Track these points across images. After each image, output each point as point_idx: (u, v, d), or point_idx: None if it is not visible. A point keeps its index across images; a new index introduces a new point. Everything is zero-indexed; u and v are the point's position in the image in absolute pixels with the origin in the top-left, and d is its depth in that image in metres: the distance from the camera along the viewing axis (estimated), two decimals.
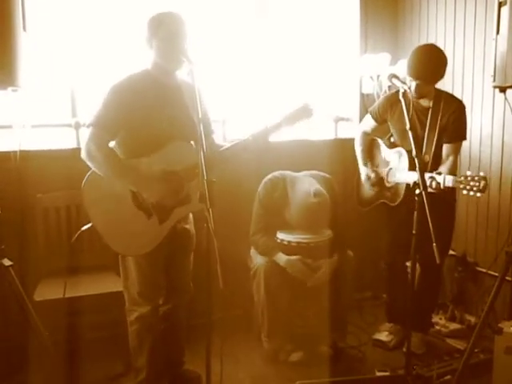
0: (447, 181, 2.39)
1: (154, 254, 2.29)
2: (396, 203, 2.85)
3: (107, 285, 2.71)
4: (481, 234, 3.33)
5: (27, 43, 2.43)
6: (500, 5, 2.53)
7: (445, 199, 2.80)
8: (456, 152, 2.76)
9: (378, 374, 2.69)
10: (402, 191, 2.80)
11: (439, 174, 2.42)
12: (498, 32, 2.55)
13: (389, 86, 3.53)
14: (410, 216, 2.26)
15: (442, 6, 3.46)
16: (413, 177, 2.52)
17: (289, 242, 2.86)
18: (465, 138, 2.80)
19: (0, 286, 2.40)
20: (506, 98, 2.69)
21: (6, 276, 2.35)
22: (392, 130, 3.01)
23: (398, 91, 2.53)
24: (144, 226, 2.26)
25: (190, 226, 2.52)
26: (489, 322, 2.54)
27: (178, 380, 2.65)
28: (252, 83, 3.58)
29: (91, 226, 2.24)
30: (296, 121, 2.24)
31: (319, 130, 3.83)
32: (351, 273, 2.95)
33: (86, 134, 2.21)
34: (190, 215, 2.51)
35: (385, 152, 3.01)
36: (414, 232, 2.25)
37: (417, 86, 2.66)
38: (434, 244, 2.04)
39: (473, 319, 3.24)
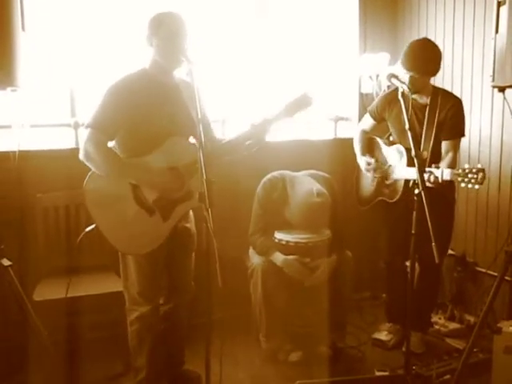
0: (445, 174, 2.39)
1: (155, 254, 2.29)
2: (394, 200, 2.86)
3: (107, 285, 2.71)
4: (480, 233, 3.33)
5: (26, 43, 2.43)
6: (499, 4, 2.52)
7: (444, 198, 2.81)
8: (455, 148, 2.76)
9: (378, 373, 2.70)
10: (401, 188, 2.80)
11: (437, 167, 2.43)
12: (496, 31, 2.54)
13: (388, 86, 3.53)
14: (408, 215, 2.27)
15: (441, 5, 3.47)
16: (411, 173, 2.53)
17: (287, 241, 2.86)
18: (463, 135, 2.80)
19: None
20: (504, 98, 2.69)
21: (6, 276, 2.35)
22: (390, 129, 3.01)
23: (395, 89, 2.54)
24: (147, 224, 2.26)
25: (191, 225, 2.52)
26: (488, 322, 2.54)
27: (177, 380, 2.65)
28: (252, 83, 3.58)
29: (95, 226, 2.24)
30: (296, 110, 2.22)
31: (318, 130, 3.84)
32: (350, 273, 2.95)
33: (83, 135, 2.22)
34: (191, 214, 2.51)
35: (384, 150, 3.01)
36: (413, 232, 2.25)
37: (410, 78, 2.67)
38: (433, 244, 2.04)
39: (472, 319, 3.24)
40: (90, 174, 2.22)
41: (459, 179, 2.32)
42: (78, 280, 2.76)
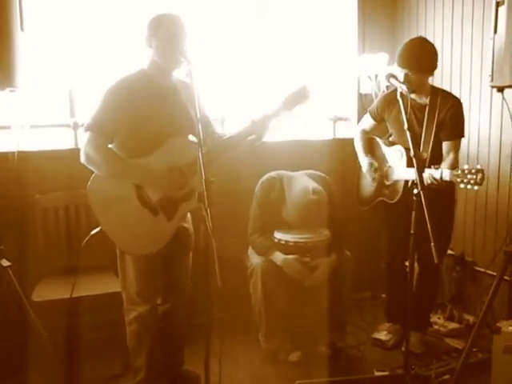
0: (444, 175, 2.40)
1: (153, 254, 2.29)
2: (394, 200, 2.86)
3: (106, 285, 2.71)
4: (479, 233, 3.33)
5: (25, 43, 2.43)
6: (497, 4, 2.53)
7: (444, 199, 2.81)
8: (456, 149, 2.76)
9: (377, 373, 2.70)
10: (401, 188, 2.80)
11: (437, 168, 2.43)
12: (495, 32, 2.55)
13: (387, 86, 3.53)
14: (409, 215, 2.27)
15: (439, 5, 3.47)
16: (411, 173, 2.53)
17: (286, 241, 2.86)
18: (463, 135, 2.81)
19: None
20: (503, 98, 2.69)
21: (5, 276, 2.35)
22: (390, 129, 3.01)
23: (395, 90, 2.54)
24: (151, 224, 2.26)
25: (189, 225, 2.52)
26: (487, 322, 2.54)
27: (177, 380, 2.65)
28: (251, 82, 3.58)
29: (101, 228, 2.23)
30: (295, 103, 2.23)
31: (317, 130, 3.84)
32: (349, 273, 2.95)
33: (83, 137, 2.22)
34: (188, 214, 2.52)
35: (384, 150, 3.01)
36: (412, 232, 2.26)
37: (405, 76, 2.67)
38: (432, 244, 2.04)
39: (471, 318, 3.24)
40: (93, 175, 2.23)
41: (458, 180, 2.32)
42: (78, 280, 2.75)
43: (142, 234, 2.25)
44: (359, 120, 3.64)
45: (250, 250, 3.02)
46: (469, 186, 2.28)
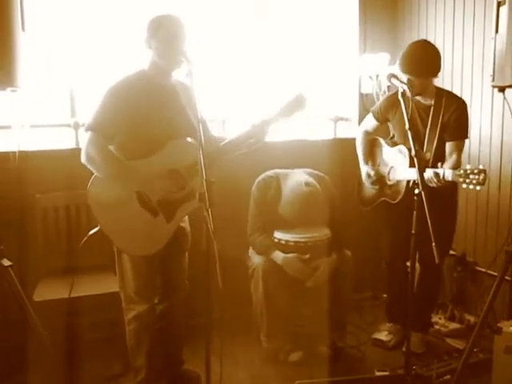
0: (447, 174, 2.40)
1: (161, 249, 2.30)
2: (397, 200, 2.86)
3: (106, 285, 2.70)
4: (480, 233, 3.33)
5: (26, 43, 2.43)
6: (499, 4, 2.52)
7: (446, 199, 2.81)
8: (459, 150, 2.76)
9: (378, 373, 2.69)
10: (403, 189, 2.80)
11: (437, 168, 2.43)
12: (496, 31, 2.55)
13: (388, 86, 3.53)
14: (410, 215, 2.27)
15: (440, 5, 3.47)
16: (413, 174, 2.53)
17: (286, 241, 2.86)
18: (467, 136, 2.81)
19: None
20: (504, 98, 2.69)
21: (6, 276, 2.35)
22: (394, 130, 3.01)
23: (398, 90, 2.54)
24: (151, 225, 2.26)
25: (186, 225, 2.53)
26: (488, 322, 2.54)
27: (177, 380, 2.65)
28: (252, 83, 3.58)
29: (99, 228, 2.24)
30: (292, 111, 2.25)
31: (318, 130, 3.84)
32: (350, 272, 2.95)
33: (84, 138, 2.22)
34: None
35: (386, 150, 3.01)
36: (413, 232, 2.25)
37: (408, 81, 2.67)
38: (434, 244, 2.04)
39: (472, 319, 3.24)
40: (93, 176, 2.23)
41: (460, 180, 2.32)
42: (78, 280, 2.74)
43: (142, 234, 2.26)
44: (360, 120, 3.63)
45: (251, 250, 3.02)
46: (471, 186, 2.28)
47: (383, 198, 3.00)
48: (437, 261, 2.05)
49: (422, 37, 3.56)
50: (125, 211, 2.24)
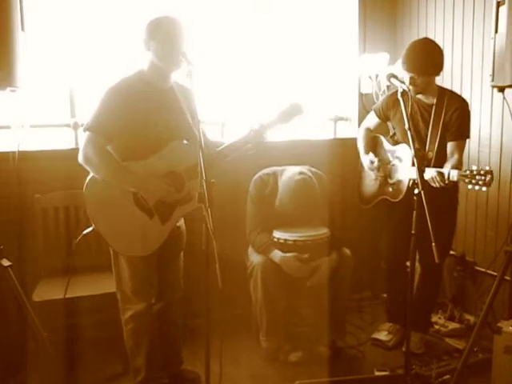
0: (452, 175, 2.39)
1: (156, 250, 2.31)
2: (398, 199, 2.86)
3: (106, 285, 2.70)
4: (480, 233, 3.33)
5: (25, 43, 2.43)
6: (498, 4, 2.52)
7: (447, 200, 2.81)
8: (460, 150, 2.76)
9: (377, 373, 2.70)
10: (405, 188, 2.80)
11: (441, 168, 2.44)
12: (496, 31, 2.54)
13: (387, 86, 3.54)
14: (410, 215, 2.26)
15: (440, 5, 3.47)
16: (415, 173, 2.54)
17: (285, 240, 2.86)
18: (468, 136, 2.81)
19: None
20: (504, 98, 2.68)
21: (5, 276, 2.35)
22: (395, 128, 3.02)
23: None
24: (147, 227, 2.27)
25: (181, 224, 2.54)
26: (488, 322, 2.54)
27: (177, 379, 2.65)
28: (251, 85, 3.58)
29: (93, 228, 2.24)
30: (288, 118, 2.28)
31: (318, 130, 3.84)
32: (349, 272, 2.95)
33: (82, 138, 2.22)
34: None
35: (388, 149, 3.01)
36: (413, 232, 2.25)
37: (410, 79, 2.67)
38: (433, 244, 2.04)
39: (472, 318, 3.24)
40: (89, 177, 2.23)
41: (466, 180, 2.31)
42: (78, 280, 2.75)
43: (137, 235, 2.27)
44: (360, 120, 3.64)
45: (250, 249, 3.02)
46: (477, 187, 2.29)
47: (384, 197, 3.00)
48: (437, 260, 2.05)
49: (422, 36, 3.56)
50: (120, 212, 2.24)
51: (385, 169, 2.99)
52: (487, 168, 2.26)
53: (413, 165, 2.61)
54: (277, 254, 2.85)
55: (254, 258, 2.91)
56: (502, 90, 2.61)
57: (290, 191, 2.85)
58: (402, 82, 2.44)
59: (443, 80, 3.36)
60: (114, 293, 2.51)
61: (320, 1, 3.73)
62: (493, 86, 2.65)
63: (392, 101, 2.94)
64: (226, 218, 2.92)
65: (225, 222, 2.40)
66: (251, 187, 3.04)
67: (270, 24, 3.57)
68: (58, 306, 2.56)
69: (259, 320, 2.92)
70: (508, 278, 2.69)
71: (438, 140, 2.77)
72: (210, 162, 2.02)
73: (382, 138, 3.08)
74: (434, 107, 2.80)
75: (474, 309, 3.31)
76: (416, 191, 2.18)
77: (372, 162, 3.00)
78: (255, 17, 3.52)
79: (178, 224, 2.49)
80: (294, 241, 2.85)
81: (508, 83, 2.48)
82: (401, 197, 2.83)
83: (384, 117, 3.03)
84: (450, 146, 2.78)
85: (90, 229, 2.26)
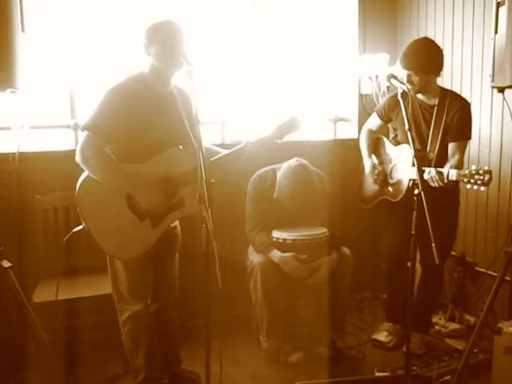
0: (451, 174, 2.39)
1: (142, 254, 2.31)
2: (397, 199, 2.86)
3: (106, 286, 2.69)
4: (480, 234, 3.33)
5: (26, 44, 2.43)
6: (498, 5, 2.52)
7: (448, 200, 2.81)
8: (461, 151, 2.76)
9: (378, 374, 2.69)
10: (405, 188, 2.80)
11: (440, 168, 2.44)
12: (496, 32, 2.54)
13: (387, 87, 3.54)
14: (411, 215, 2.26)
15: (440, 5, 3.47)
16: (415, 173, 2.55)
17: (284, 239, 2.86)
18: (469, 137, 2.81)
19: None
20: (504, 98, 2.68)
21: (5, 277, 2.35)
22: (398, 129, 3.03)
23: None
24: (137, 230, 2.27)
25: (176, 225, 2.54)
26: (488, 322, 2.54)
27: (177, 380, 2.65)
28: (251, 84, 3.58)
29: (83, 227, 2.25)
30: (285, 133, 2.28)
31: (318, 131, 3.84)
32: (349, 272, 2.94)
33: (80, 137, 2.23)
34: None
35: (389, 149, 3.02)
36: (413, 232, 2.25)
37: (407, 76, 2.68)
38: (434, 244, 2.04)
39: (472, 319, 3.24)
40: (83, 176, 2.23)
41: (465, 180, 2.31)
42: (78, 281, 2.76)
43: (126, 237, 2.27)
44: (360, 120, 3.65)
45: (250, 249, 3.02)
46: (475, 187, 2.28)
47: (384, 197, 3.00)
48: (437, 261, 2.04)
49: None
50: (112, 213, 2.24)
51: (385, 169, 3.00)
52: (486, 168, 2.26)
53: (413, 165, 2.62)
54: (276, 254, 2.85)
55: (254, 257, 2.91)
56: (501, 90, 2.61)
57: (287, 177, 2.89)
58: (402, 83, 2.44)
59: (443, 80, 3.36)
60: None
61: (320, 1, 3.73)
62: (493, 87, 2.65)
63: (394, 102, 2.94)
64: (225, 219, 2.92)
65: (225, 222, 2.40)
66: (250, 186, 3.05)
67: (270, 24, 3.58)
68: (58, 307, 2.56)
69: (259, 320, 2.92)
70: (508, 278, 2.69)
71: (439, 141, 2.78)
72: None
73: (385, 138, 3.09)
74: (435, 108, 2.80)
75: (474, 309, 3.31)
76: (416, 192, 2.18)
77: (373, 168, 3.01)
78: (255, 17, 3.53)
79: (173, 225, 2.49)
80: (293, 240, 2.85)
81: (508, 84, 2.49)
82: (400, 197, 2.84)
83: (386, 118, 3.04)
84: (451, 146, 2.78)
85: (81, 227, 2.27)
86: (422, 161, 2.66)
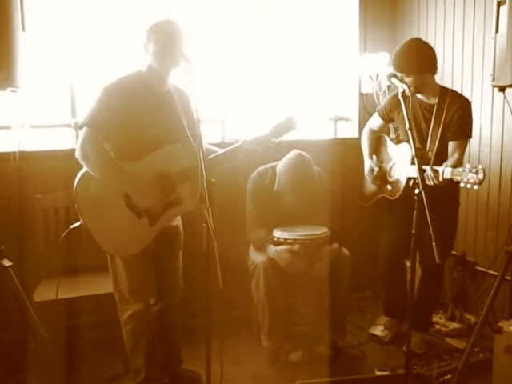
0: (446, 173, 2.39)
1: (142, 252, 2.31)
2: (395, 197, 2.87)
3: (106, 285, 2.69)
4: (480, 233, 3.33)
5: (26, 43, 2.43)
6: (499, 4, 2.52)
7: (448, 200, 2.81)
8: (461, 149, 2.76)
9: (378, 373, 2.69)
10: (403, 186, 2.81)
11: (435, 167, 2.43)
12: (497, 31, 2.54)
13: (388, 86, 3.54)
14: (411, 214, 2.26)
15: (441, 4, 3.46)
16: (414, 171, 2.54)
17: (285, 239, 2.85)
18: (470, 136, 2.80)
19: (0, 286, 2.40)
20: (505, 97, 2.68)
21: (6, 277, 2.35)
22: (399, 129, 3.03)
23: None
24: (134, 227, 2.28)
25: (178, 223, 2.54)
26: (488, 321, 2.54)
27: (177, 379, 2.65)
28: (251, 83, 3.58)
29: (81, 224, 2.26)
30: (282, 132, 2.28)
31: (318, 130, 3.84)
32: (347, 272, 2.94)
33: (80, 134, 2.23)
34: None
35: (390, 148, 3.03)
36: (413, 231, 2.25)
37: (401, 78, 2.68)
38: (434, 244, 2.04)
39: (472, 318, 3.24)
40: (81, 173, 2.24)
41: (458, 178, 2.32)
42: (78, 280, 2.76)
43: (123, 234, 2.28)
44: (360, 120, 3.65)
45: (251, 248, 3.02)
46: (468, 185, 2.28)
47: (382, 195, 3.01)
48: (437, 261, 2.04)
49: (422, 36, 3.56)
50: (109, 209, 2.25)
51: (385, 168, 3.00)
52: (480, 166, 2.25)
53: (412, 163, 2.62)
54: (271, 249, 2.85)
55: (256, 257, 2.91)
56: (502, 89, 2.61)
57: (287, 168, 2.90)
58: (403, 82, 2.44)
59: (443, 80, 3.36)
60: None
61: (320, 1, 3.73)
62: (493, 86, 2.65)
63: (395, 101, 2.94)
64: (225, 218, 2.92)
65: (224, 221, 2.40)
66: (249, 184, 3.05)
67: (270, 24, 3.57)
68: (59, 307, 2.56)
69: (261, 319, 2.92)
70: (508, 277, 2.69)
71: (437, 140, 2.77)
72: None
73: (386, 137, 3.10)
74: (435, 107, 2.80)
75: (474, 309, 3.30)
76: (416, 191, 2.18)
77: (372, 171, 3.01)
78: (255, 17, 3.53)
79: (175, 223, 2.49)
80: (294, 240, 2.84)
81: (508, 83, 2.49)
82: (398, 195, 2.84)
83: (388, 118, 3.04)
84: (451, 145, 2.78)
85: (78, 223, 2.28)
86: (421, 159, 2.65)
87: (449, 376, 2.59)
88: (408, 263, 2.92)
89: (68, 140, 3.12)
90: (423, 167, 2.51)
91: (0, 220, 2.76)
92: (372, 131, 3.16)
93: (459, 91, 3.11)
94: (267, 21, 3.57)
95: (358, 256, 3.06)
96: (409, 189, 2.69)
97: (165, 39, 2.20)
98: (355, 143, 3.27)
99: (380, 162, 3.06)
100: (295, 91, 3.72)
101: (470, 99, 2.88)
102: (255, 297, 2.92)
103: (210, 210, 1.81)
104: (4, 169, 2.83)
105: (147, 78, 2.30)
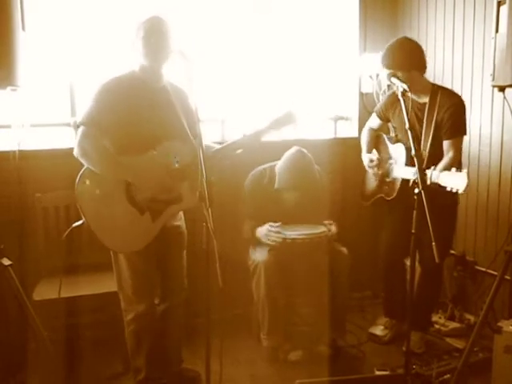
0: (434, 176, 2.34)
1: (145, 251, 2.31)
2: (391, 197, 2.88)
3: (107, 284, 2.70)
4: (480, 233, 3.33)
5: (26, 42, 2.43)
6: (499, 4, 2.52)
7: (446, 200, 2.80)
8: (455, 148, 2.73)
9: (378, 373, 2.70)
10: (397, 186, 2.82)
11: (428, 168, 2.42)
12: (497, 31, 2.54)
13: (388, 85, 3.53)
14: (410, 214, 2.26)
15: (441, 4, 3.46)
16: (408, 172, 2.54)
17: (283, 239, 2.86)
18: (463, 133, 2.77)
19: None
20: (504, 97, 2.68)
21: (6, 275, 2.35)
22: (396, 128, 3.02)
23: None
24: (137, 223, 2.28)
25: (181, 223, 2.54)
26: (488, 321, 2.54)
27: (177, 379, 2.65)
28: (251, 83, 3.58)
29: (83, 223, 2.25)
30: (281, 126, 2.29)
31: (318, 129, 3.84)
32: (346, 271, 2.94)
33: (77, 133, 2.24)
34: (181, 213, 2.53)
35: (388, 147, 3.02)
36: (413, 231, 2.25)
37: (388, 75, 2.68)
38: (434, 243, 2.04)
39: (472, 318, 3.24)
40: (82, 171, 2.24)
41: (442, 184, 2.26)
42: (78, 279, 2.76)
43: (126, 231, 2.28)
44: (360, 119, 3.65)
45: (252, 248, 3.01)
46: (454, 190, 2.22)
47: (380, 195, 3.01)
48: (437, 260, 2.04)
49: (422, 36, 3.57)
50: (112, 207, 2.25)
51: (383, 167, 3.00)
52: (464, 171, 2.18)
53: (412, 164, 2.61)
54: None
55: (257, 256, 2.91)
56: (502, 89, 2.61)
57: (288, 163, 2.92)
58: (403, 82, 2.44)
59: (443, 80, 3.36)
60: (114, 292, 2.51)
61: (320, 0, 3.73)
62: (493, 86, 2.65)
63: (390, 102, 2.95)
64: (225, 217, 2.91)
65: (224, 221, 2.40)
66: (247, 182, 3.06)
67: (269, 24, 3.57)
68: (59, 306, 2.56)
69: (261, 318, 2.92)
70: (508, 277, 2.69)
71: (430, 139, 2.76)
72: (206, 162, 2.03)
73: (384, 136, 3.09)
74: (427, 106, 2.79)
75: (474, 308, 3.31)
76: (416, 191, 2.18)
77: (371, 161, 3.01)
78: (255, 17, 3.53)
79: (177, 223, 2.49)
80: (293, 239, 2.84)
81: (508, 83, 2.49)
82: (394, 195, 2.85)
83: (385, 118, 3.04)
84: (445, 144, 2.76)
85: (80, 222, 2.28)
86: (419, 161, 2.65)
87: (448, 376, 2.59)
88: (407, 262, 2.91)
89: (68, 139, 3.11)
90: (424, 168, 2.50)
91: (0, 219, 2.76)
92: (371, 130, 3.16)
93: (459, 91, 3.12)
94: (267, 21, 3.57)
95: (358, 255, 3.06)
96: (408, 188, 2.69)
97: (149, 35, 2.21)
98: (355, 143, 3.27)
99: (379, 157, 3.06)
100: (295, 91, 3.72)
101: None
102: (255, 296, 2.92)
103: (209, 209, 1.81)
104: (4, 168, 2.82)
105: (141, 75, 2.31)
